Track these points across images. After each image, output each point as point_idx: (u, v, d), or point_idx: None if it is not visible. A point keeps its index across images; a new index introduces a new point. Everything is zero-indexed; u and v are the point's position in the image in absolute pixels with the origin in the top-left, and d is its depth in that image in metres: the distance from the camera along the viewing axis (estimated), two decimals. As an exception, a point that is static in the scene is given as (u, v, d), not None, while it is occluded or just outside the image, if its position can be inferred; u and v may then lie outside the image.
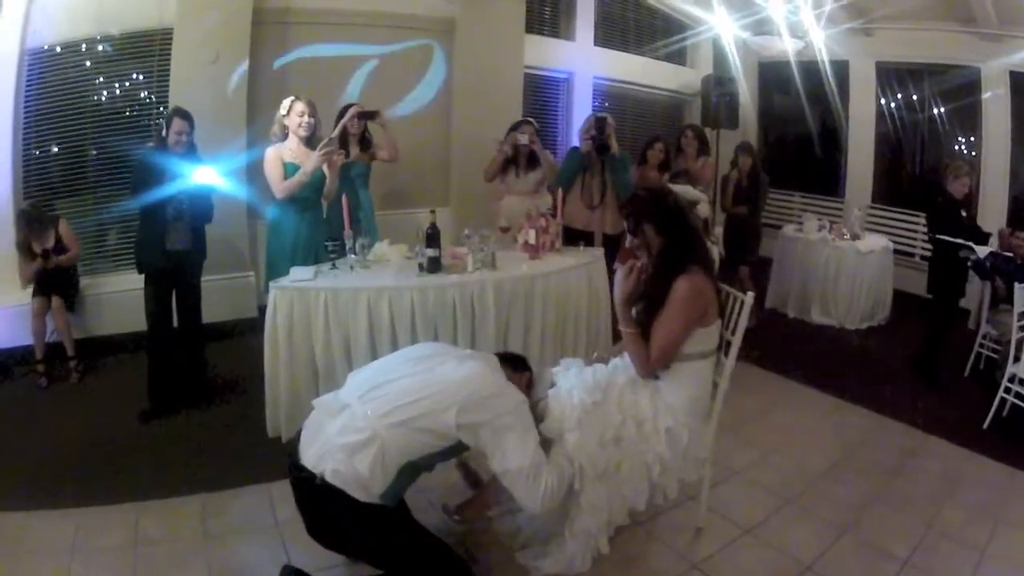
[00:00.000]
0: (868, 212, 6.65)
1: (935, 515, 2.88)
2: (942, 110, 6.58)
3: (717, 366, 2.58)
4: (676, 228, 2.43)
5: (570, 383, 2.41)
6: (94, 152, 4.93)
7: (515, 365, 2.45)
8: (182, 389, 3.88)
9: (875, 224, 6.60)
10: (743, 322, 2.57)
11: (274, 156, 3.75)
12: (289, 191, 3.72)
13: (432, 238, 3.47)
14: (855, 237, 5.66)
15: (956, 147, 6.57)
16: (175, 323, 3.91)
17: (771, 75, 7.91)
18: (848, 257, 5.52)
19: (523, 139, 4.52)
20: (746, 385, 4.20)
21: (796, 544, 2.67)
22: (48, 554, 2.56)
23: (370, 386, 2.19)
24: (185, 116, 3.69)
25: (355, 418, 2.09)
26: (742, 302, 2.58)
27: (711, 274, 2.47)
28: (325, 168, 3.75)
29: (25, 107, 4.64)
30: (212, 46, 4.90)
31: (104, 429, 3.62)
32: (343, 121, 4.24)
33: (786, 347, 5.06)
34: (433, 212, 3.55)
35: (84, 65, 4.81)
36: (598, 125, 4.47)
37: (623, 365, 2.54)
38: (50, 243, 4.35)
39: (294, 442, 2.21)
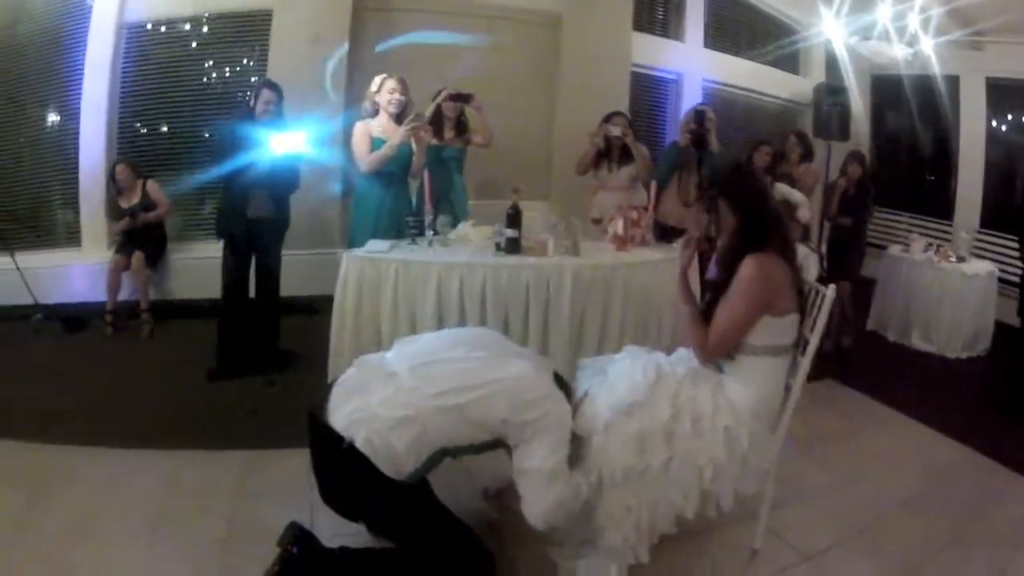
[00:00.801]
0: (975, 237, 6.05)
1: (1007, 562, 2.51)
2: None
3: (792, 368, 2.29)
4: (753, 208, 2.19)
5: (617, 378, 2.20)
6: (190, 127, 5.11)
7: (559, 381, 2.21)
8: (251, 355, 3.89)
9: (982, 250, 6.05)
10: (823, 317, 2.29)
11: (362, 130, 3.71)
12: (374, 164, 3.66)
13: (512, 218, 3.28)
14: (961, 260, 5.20)
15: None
16: (252, 291, 3.97)
17: (884, 89, 7.37)
18: (953, 280, 5.05)
19: (615, 131, 4.29)
20: (830, 403, 3.92)
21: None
22: (84, 488, 2.60)
23: (421, 360, 2.03)
24: (273, 87, 3.75)
25: (401, 391, 1.94)
26: (823, 295, 2.29)
27: (791, 263, 2.20)
28: (413, 144, 3.70)
29: (123, 79, 4.85)
30: (312, 28, 4.97)
31: (167, 381, 3.70)
32: (436, 101, 4.18)
33: (881, 369, 4.67)
34: (516, 191, 3.37)
35: (183, 43, 5.01)
36: (697, 118, 4.24)
37: (688, 355, 2.30)
38: (136, 198, 4.49)
39: (322, 397, 2.05)
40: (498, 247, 3.31)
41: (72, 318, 4.52)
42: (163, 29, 4.94)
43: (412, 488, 1.93)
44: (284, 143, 3.65)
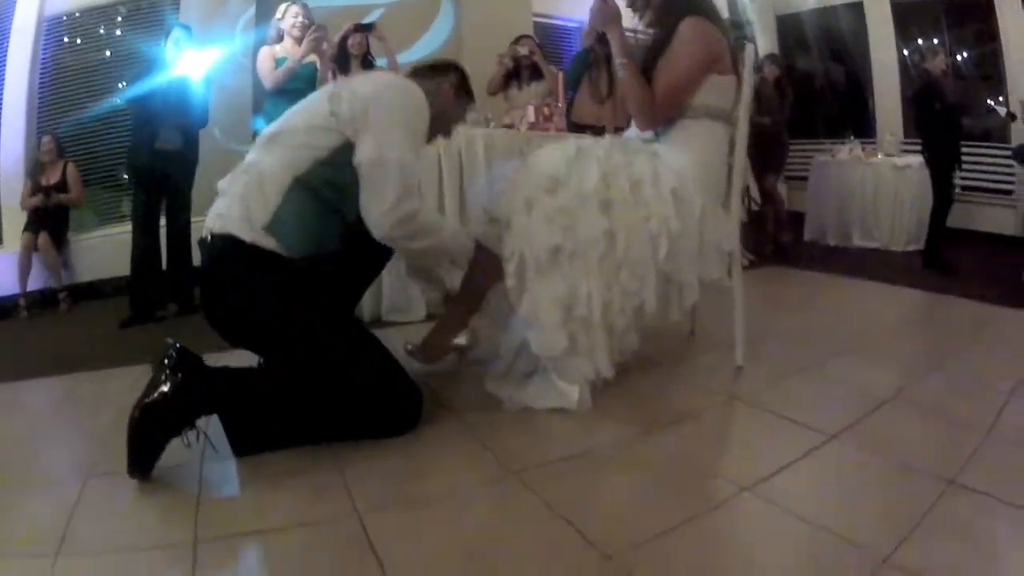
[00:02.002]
0: (902, 143, 6.06)
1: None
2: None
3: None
4: None
5: (535, 159, 1.98)
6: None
7: (434, 71, 1.97)
8: (165, 297, 3.72)
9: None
10: (749, 75, 2.10)
11: (267, 52, 3.64)
12: (279, 80, 3.53)
13: None
14: (889, 156, 5.14)
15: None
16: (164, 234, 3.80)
17: (790, 32, 7.43)
18: (884, 172, 5.05)
19: (523, 50, 4.28)
20: (782, 279, 3.88)
21: (866, 381, 2.09)
22: None
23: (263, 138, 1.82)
24: (184, 27, 3.71)
25: (244, 167, 1.77)
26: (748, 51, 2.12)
27: (723, 30, 2.01)
28: (316, 59, 3.59)
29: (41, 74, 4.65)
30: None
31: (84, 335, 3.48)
32: (340, 33, 4.00)
33: (826, 261, 4.57)
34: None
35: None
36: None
37: (613, 140, 2.07)
38: (55, 179, 4.31)
39: None
40: None
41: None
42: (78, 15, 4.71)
43: (299, 273, 1.69)
44: (189, 71, 3.63)
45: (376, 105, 1.68)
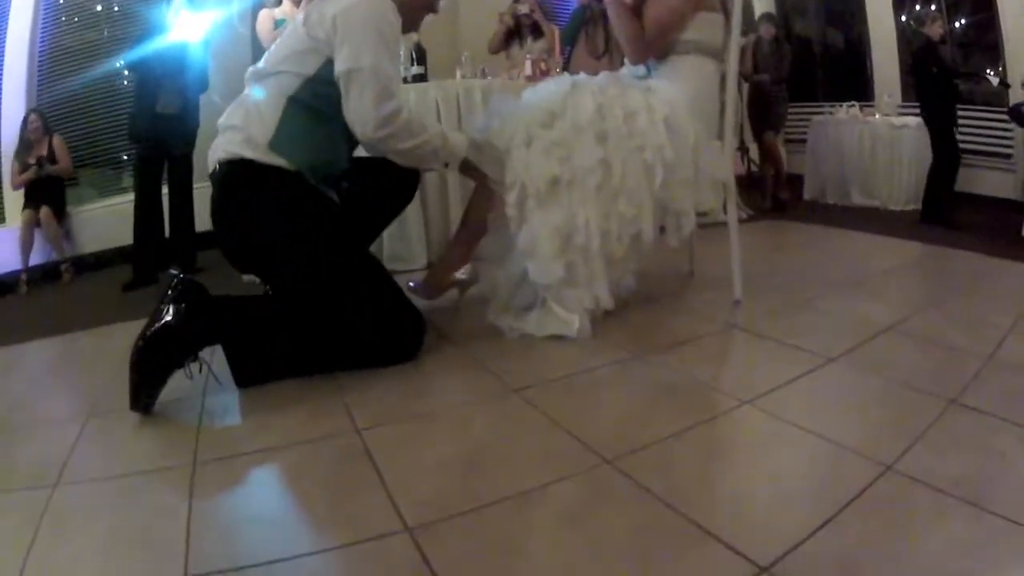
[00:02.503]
0: (900, 106, 6.00)
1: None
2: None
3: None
4: None
5: (532, 95, 2.00)
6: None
7: None
8: (167, 261, 3.66)
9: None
10: (738, 12, 2.07)
11: (265, 15, 3.69)
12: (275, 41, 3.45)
13: (419, 56, 3.13)
14: (886, 116, 5.07)
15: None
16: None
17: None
18: (882, 131, 4.95)
19: (523, 8, 4.18)
20: (782, 230, 3.82)
21: (864, 314, 2.06)
22: None
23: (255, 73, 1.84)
24: None
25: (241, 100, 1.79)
26: None
27: None
28: None
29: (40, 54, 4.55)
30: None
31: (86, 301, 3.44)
32: None
33: (826, 216, 4.51)
34: (418, 32, 3.12)
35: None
36: None
37: (607, 75, 2.06)
38: (43, 152, 4.23)
39: None
40: (405, 81, 3.05)
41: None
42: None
43: (308, 193, 1.72)
44: (188, 36, 3.59)
45: (343, 19, 1.67)
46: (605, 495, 1.13)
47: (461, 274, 2.14)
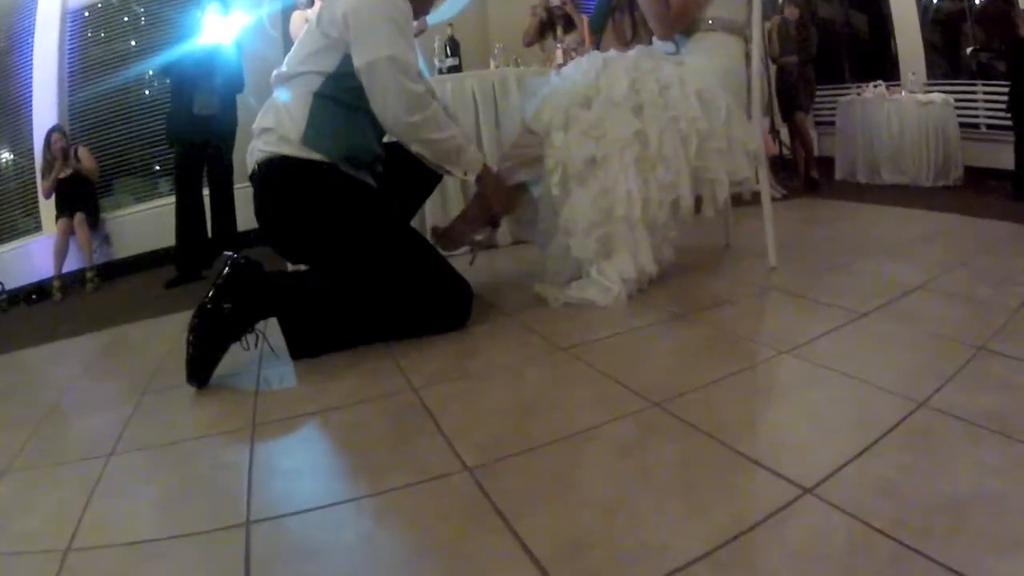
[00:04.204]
0: (925, 86, 5.88)
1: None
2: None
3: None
4: None
5: (565, 78, 2.04)
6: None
7: None
8: (209, 259, 3.71)
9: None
10: None
11: (298, 17, 3.64)
12: None
13: (453, 47, 3.17)
14: (912, 93, 5.01)
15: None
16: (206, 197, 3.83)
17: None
18: (909, 108, 4.90)
19: (555, 1, 4.20)
20: (813, 207, 3.72)
21: (895, 274, 2.07)
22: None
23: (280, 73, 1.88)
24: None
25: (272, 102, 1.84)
26: None
27: None
28: None
29: (69, 63, 4.63)
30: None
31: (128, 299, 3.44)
32: None
33: (858, 194, 4.45)
34: (451, 25, 3.21)
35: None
36: None
37: (640, 49, 2.08)
38: (70, 168, 4.26)
39: None
40: (440, 72, 3.13)
41: (33, 291, 4.25)
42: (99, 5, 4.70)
43: (345, 181, 1.77)
44: (221, 38, 3.67)
45: (354, 15, 1.70)
46: (653, 432, 1.18)
47: (479, 235, 2.16)
